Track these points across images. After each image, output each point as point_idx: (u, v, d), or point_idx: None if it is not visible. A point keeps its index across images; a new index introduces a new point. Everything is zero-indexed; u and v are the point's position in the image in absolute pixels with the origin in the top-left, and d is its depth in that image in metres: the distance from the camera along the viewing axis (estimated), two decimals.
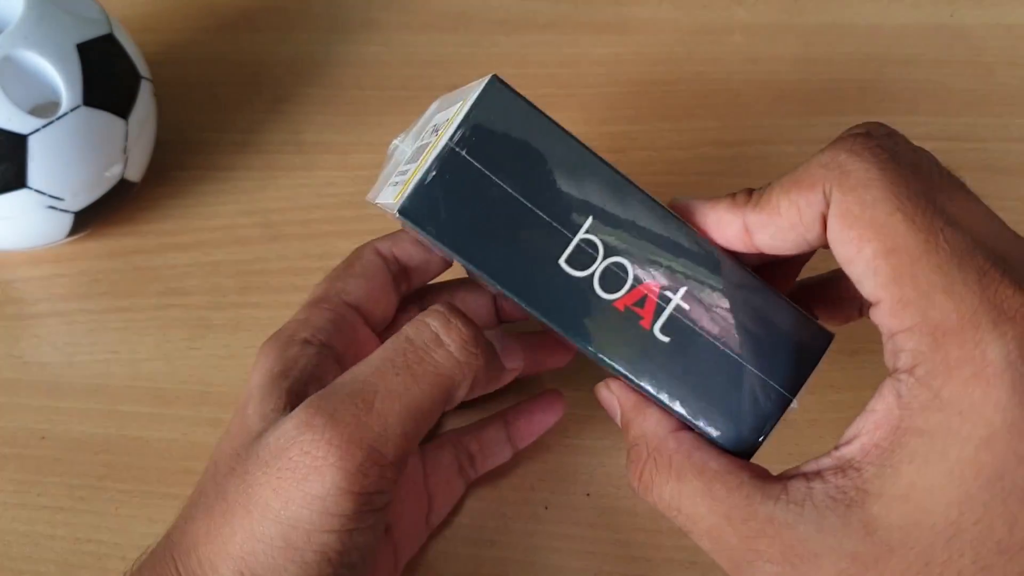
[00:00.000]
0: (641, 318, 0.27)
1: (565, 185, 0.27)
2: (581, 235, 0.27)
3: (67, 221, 0.41)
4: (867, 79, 0.50)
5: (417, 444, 0.28)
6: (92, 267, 0.45)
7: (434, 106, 0.33)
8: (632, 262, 0.27)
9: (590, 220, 0.27)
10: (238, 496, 0.26)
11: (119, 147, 0.41)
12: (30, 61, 0.38)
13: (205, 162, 0.48)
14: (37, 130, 0.38)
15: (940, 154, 0.49)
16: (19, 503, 0.39)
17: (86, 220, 0.42)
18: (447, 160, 0.26)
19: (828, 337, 0.28)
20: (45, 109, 0.39)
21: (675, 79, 0.51)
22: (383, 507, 0.27)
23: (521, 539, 0.38)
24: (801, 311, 0.28)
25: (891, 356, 0.23)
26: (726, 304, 0.27)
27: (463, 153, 0.26)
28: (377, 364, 0.27)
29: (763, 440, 0.28)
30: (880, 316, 0.24)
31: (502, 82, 0.27)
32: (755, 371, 0.27)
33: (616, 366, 0.28)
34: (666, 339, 0.27)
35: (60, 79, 0.38)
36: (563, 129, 0.27)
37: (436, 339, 0.28)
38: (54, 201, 0.40)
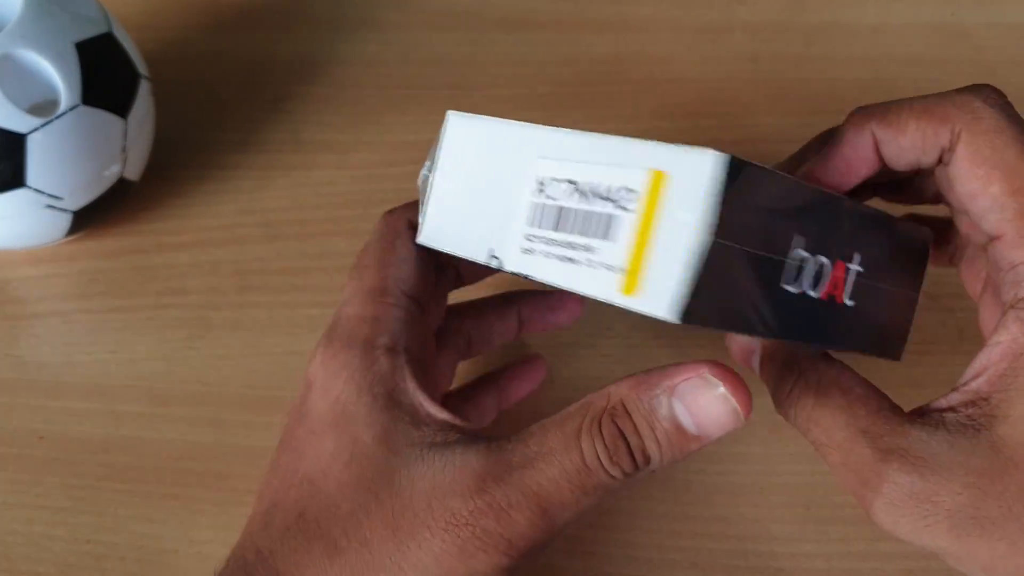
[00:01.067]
0: (836, 297, 0.28)
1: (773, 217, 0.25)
2: (791, 253, 0.26)
3: (66, 220, 0.41)
4: (867, 78, 0.50)
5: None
6: (91, 267, 0.45)
7: (458, 123, 0.31)
8: (825, 254, 0.27)
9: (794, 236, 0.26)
10: (387, 550, 0.26)
11: (118, 146, 0.41)
12: (29, 60, 0.38)
13: (204, 161, 0.48)
14: (36, 129, 0.38)
15: None
16: (18, 503, 0.39)
17: (85, 219, 0.42)
18: (715, 254, 0.23)
19: (927, 232, 0.32)
20: (44, 108, 0.39)
21: (675, 78, 0.50)
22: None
23: None
24: (898, 218, 0.31)
25: (1012, 288, 0.26)
26: (878, 249, 0.29)
27: (724, 241, 0.23)
28: (548, 441, 0.26)
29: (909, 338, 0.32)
30: (1003, 249, 0.26)
31: (739, 163, 0.23)
32: (904, 290, 0.30)
33: (815, 344, 0.29)
34: (852, 303, 0.29)
35: (59, 78, 0.38)
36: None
37: (606, 475, 0.26)
38: (53, 200, 0.40)
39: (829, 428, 0.27)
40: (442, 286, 0.34)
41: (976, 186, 0.26)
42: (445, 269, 0.33)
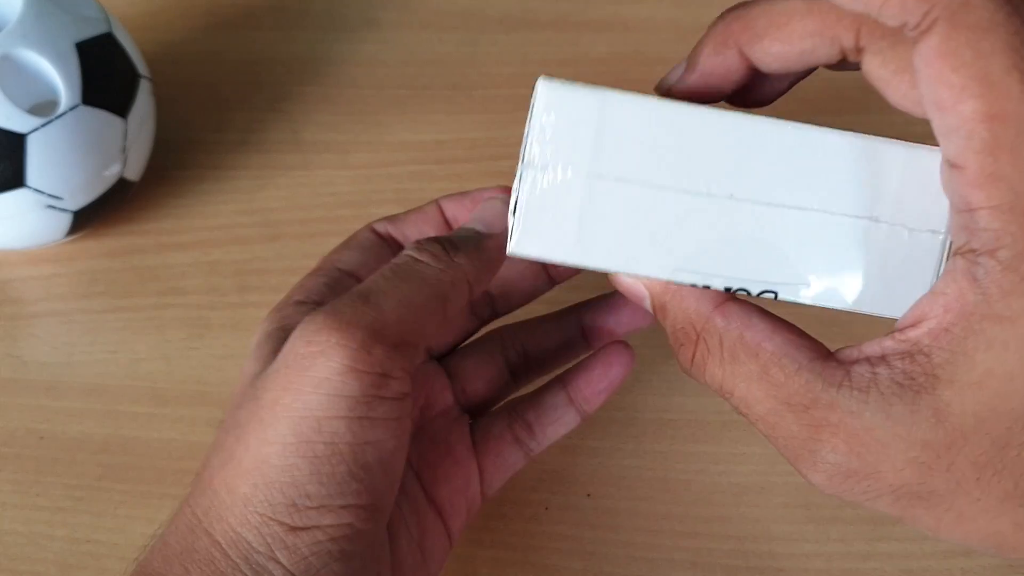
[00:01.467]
0: None
1: None
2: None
3: (66, 220, 0.41)
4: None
5: (420, 339, 0.28)
6: (91, 267, 0.45)
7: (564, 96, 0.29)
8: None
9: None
10: (250, 416, 0.26)
11: (118, 146, 0.41)
12: (29, 60, 0.38)
13: (204, 161, 0.48)
14: (36, 129, 0.38)
15: None
16: (17, 503, 0.39)
17: (85, 219, 0.42)
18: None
19: None
20: (44, 108, 0.39)
21: None
22: (397, 398, 0.27)
23: (521, 539, 0.37)
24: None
25: (964, 232, 0.22)
26: None
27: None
28: (366, 279, 0.28)
29: None
30: (959, 184, 0.21)
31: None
32: None
33: None
34: None
35: (59, 78, 0.38)
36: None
37: (412, 259, 0.28)
38: (53, 200, 0.40)
39: (746, 399, 0.24)
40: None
41: (945, 95, 0.21)
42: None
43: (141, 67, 0.43)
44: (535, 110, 0.27)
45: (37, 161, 0.38)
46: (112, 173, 0.41)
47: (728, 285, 0.25)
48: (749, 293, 0.26)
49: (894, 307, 0.25)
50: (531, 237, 0.25)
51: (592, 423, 0.40)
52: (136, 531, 0.38)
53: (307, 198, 0.47)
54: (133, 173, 0.43)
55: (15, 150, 0.38)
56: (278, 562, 0.25)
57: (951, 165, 0.22)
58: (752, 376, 0.24)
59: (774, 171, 0.27)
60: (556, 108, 0.27)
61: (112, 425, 0.41)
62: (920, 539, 0.37)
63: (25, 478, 0.39)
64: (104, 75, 0.40)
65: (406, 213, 0.35)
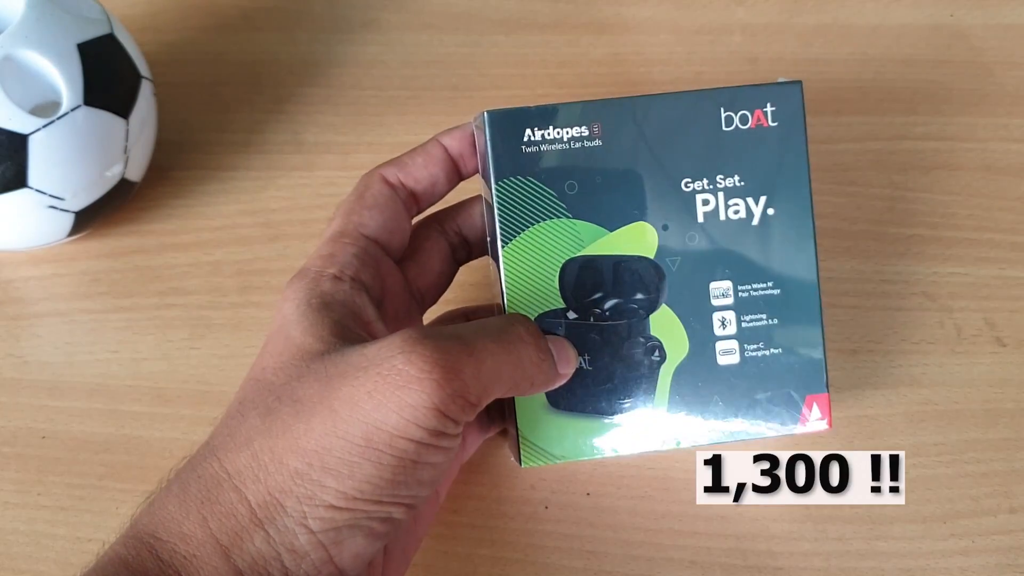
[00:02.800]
0: None
1: None
2: None
3: (68, 221, 0.41)
4: (867, 79, 0.50)
5: (491, 400, 0.30)
6: (93, 267, 0.45)
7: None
8: None
9: None
10: (320, 397, 0.28)
11: (120, 147, 0.41)
12: (31, 61, 0.38)
13: (205, 162, 0.48)
14: (38, 130, 0.38)
15: (940, 154, 0.49)
16: (20, 502, 0.39)
17: (87, 220, 0.42)
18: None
19: None
20: (46, 109, 0.39)
21: (675, 79, 0.51)
22: (454, 441, 0.29)
23: (521, 539, 0.38)
24: None
25: None
26: None
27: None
28: (476, 328, 0.30)
29: None
30: None
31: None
32: None
33: None
34: None
35: (61, 79, 0.38)
36: None
37: (520, 335, 0.31)
38: (55, 201, 0.40)
39: None
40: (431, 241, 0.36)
41: None
42: (411, 207, 0.35)
43: (143, 68, 0.43)
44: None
45: (39, 162, 0.38)
46: (114, 174, 0.41)
47: None
48: None
49: None
50: None
51: None
52: None
53: (308, 199, 0.47)
54: (135, 174, 0.43)
55: (17, 151, 0.38)
56: (307, 528, 0.27)
57: None
58: None
59: None
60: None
61: (114, 425, 0.41)
62: (919, 538, 0.38)
63: (27, 477, 0.39)
64: (106, 76, 0.40)
65: (410, 155, 0.35)
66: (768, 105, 0.34)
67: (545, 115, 0.33)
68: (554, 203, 0.33)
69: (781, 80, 0.34)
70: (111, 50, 0.41)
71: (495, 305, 0.36)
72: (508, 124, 0.33)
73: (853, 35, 0.52)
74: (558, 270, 0.33)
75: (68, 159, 0.39)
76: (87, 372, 0.42)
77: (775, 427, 0.35)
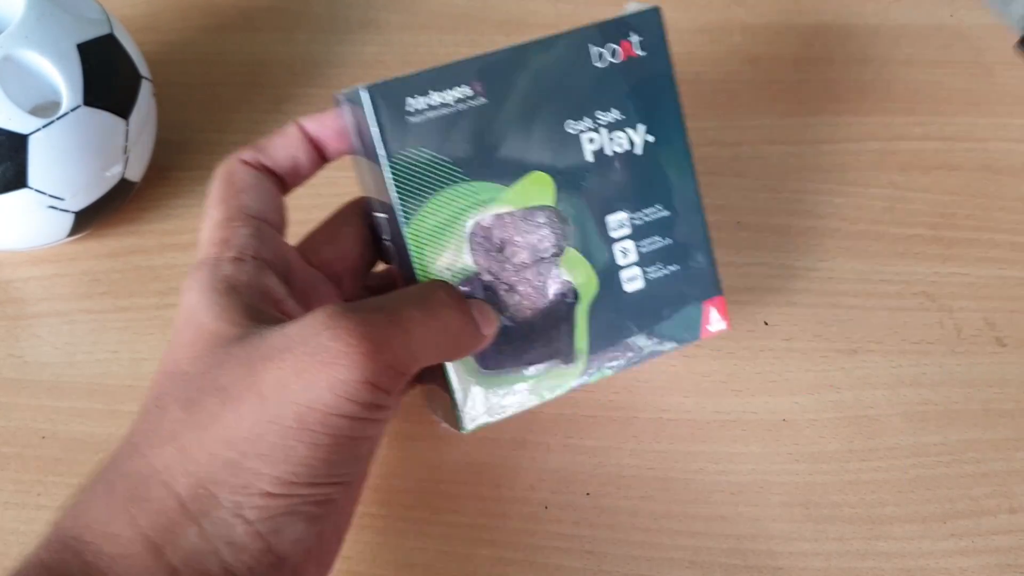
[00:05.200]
0: None
1: None
2: None
3: (67, 221, 0.41)
4: (867, 79, 0.50)
5: (421, 367, 0.30)
6: (92, 267, 0.45)
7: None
8: None
9: None
10: (246, 383, 0.27)
11: (119, 147, 0.41)
12: (31, 61, 0.38)
13: (205, 162, 0.48)
14: (37, 130, 0.38)
15: (940, 154, 0.49)
16: (19, 503, 0.39)
17: (86, 220, 0.42)
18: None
19: None
20: (45, 109, 0.39)
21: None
22: (387, 413, 0.29)
23: (521, 539, 0.38)
24: None
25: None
26: None
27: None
28: (398, 298, 0.30)
29: None
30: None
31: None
32: None
33: None
34: None
35: (60, 79, 0.38)
36: None
37: (443, 298, 0.31)
38: (54, 201, 0.40)
39: None
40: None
41: None
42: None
43: (142, 68, 0.43)
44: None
45: (39, 162, 0.38)
46: (114, 174, 0.41)
47: None
48: None
49: None
50: None
51: (592, 423, 0.40)
52: None
53: (308, 199, 0.47)
54: (135, 174, 0.43)
55: (17, 151, 0.38)
56: (244, 518, 0.26)
57: None
58: None
59: None
60: None
61: (114, 425, 0.41)
62: (918, 538, 0.38)
63: (27, 478, 0.39)
64: (106, 76, 0.40)
65: (268, 138, 0.34)
66: (632, 35, 0.34)
67: (425, 80, 0.32)
68: (449, 168, 0.33)
69: (634, 6, 0.35)
70: (111, 50, 0.41)
71: (398, 281, 0.35)
72: (388, 96, 0.32)
73: (853, 35, 0.52)
74: (466, 235, 0.33)
75: (68, 159, 0.39)
76: (87, 372, 0.42)
77: (683, 337, 0.37)
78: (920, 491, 0.39)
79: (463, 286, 0.33)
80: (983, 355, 0.42)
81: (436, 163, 0.32)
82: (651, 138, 0.35)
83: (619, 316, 0.36)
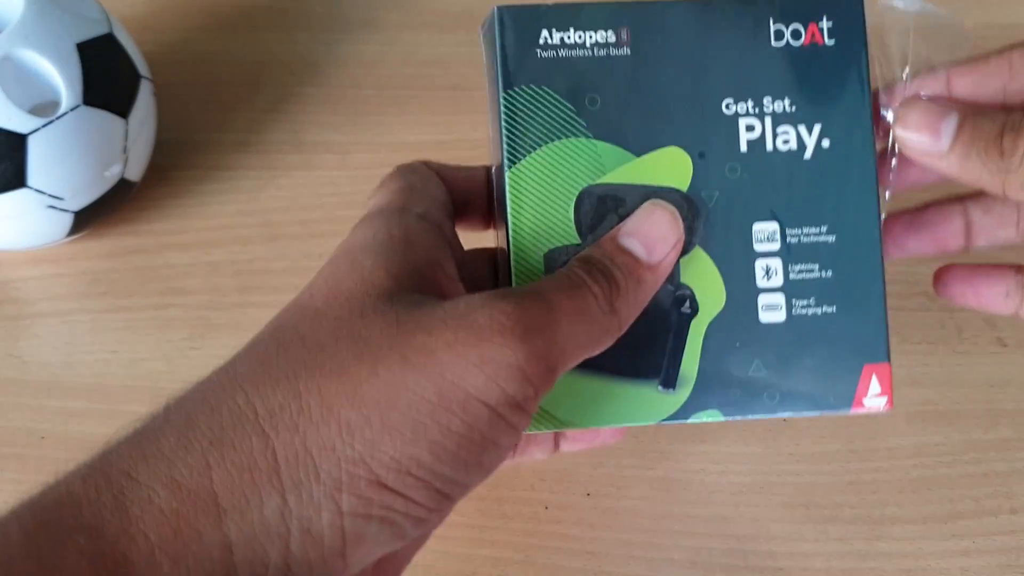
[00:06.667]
0: None
1: None
2: None
3: (67, 221, 0.41)
4: None
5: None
6: (92, 267, 0.45)
7: None
8: None
9: None
10: (389, 341, 0.24)
11: (119, 147, 0.41)
12: (30, 60, 0.38)
13: (205, 162, 0.48)
14: (37, 130, 0.38)
15: None
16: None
17: (86, 220, 0.42)
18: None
19: None
20: (45, 108, 0.39)
21: None
22: (522, 425, 0.25)
23: (521, 539, 0.38)
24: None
25: None
26: None
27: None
28: (548, 284, 0.26)
29: None
30: None
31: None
32: None
33: None
34: None
35: (60, 78, 0.38)
36: None
37: (588, 289, 0.26)
38: (54, 201, 0.40)
39: None
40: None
41: None
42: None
43: (142, 68, 0.43)
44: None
45: (38, 161, 0.38)
46: (113, 173, 0.41)
47: None
48: None
49: None
50: None
51: None
52: None
53: (308, 199, 0.47)
54: (134, 173, 0.43)
55: (16, 150, 0.38)
56: (337, 505, 0.23)
57: None
58: None
59: None
60: None
61: (113, 425, 0.40)
62: (920, 538, 0.37)
63: (26, 478, 0.39)
64: (105, 76, 0.40)
65: (455, 165, 0.32)
66: (824, 19, 0.29)
67: (566, 14, 0.28)
68: (572, 119, 0.29)
69: None
70: (110, 50, 0.41)
71: (498, 246, 0.32)
72: (522, 22, 0.28)
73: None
74: (573, 199, 0.29)
75: (67, 159, 0.39)
76: (86, 372, 0.42)
77: (827, 402, 0.30)
78: (921, 491, 0.39)
79: (559, 255, 0.29)
80: (984, 355, 0.42)
81: (558, 109, 0.29)
82: (826, 142, 0.30)
83: (745, 347, 0.29)
